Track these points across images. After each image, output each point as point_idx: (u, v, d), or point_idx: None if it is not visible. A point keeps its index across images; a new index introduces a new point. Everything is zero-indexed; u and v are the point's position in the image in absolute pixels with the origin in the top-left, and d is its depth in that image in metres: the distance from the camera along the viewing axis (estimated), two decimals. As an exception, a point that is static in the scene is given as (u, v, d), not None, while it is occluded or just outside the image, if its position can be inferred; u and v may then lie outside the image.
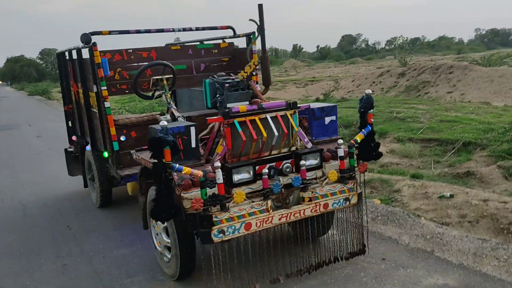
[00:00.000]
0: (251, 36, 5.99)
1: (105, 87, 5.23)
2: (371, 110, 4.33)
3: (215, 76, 4.76)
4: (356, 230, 4.47)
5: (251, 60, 4.75)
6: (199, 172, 3.63)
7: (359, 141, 4.29)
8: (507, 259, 4.36)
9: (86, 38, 5.14)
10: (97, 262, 5.04)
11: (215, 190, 3.66)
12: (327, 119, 4.66)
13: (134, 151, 4.74)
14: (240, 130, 4.05)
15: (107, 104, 5.27)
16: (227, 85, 4.57)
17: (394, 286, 4.04)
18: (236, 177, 3.95)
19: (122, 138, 5.34)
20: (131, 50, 5.92)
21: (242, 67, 6.13)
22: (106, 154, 5.48)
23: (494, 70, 22.65)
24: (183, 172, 3.63)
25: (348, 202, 4.29)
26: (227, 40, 6.47)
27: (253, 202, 3.89)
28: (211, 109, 4.85)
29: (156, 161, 3.57)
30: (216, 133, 4.28)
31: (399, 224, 5.32)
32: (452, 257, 4.50)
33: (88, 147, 6.42)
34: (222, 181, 3.72)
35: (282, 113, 4.26)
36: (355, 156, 4.30)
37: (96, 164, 6.37)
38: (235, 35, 6.32)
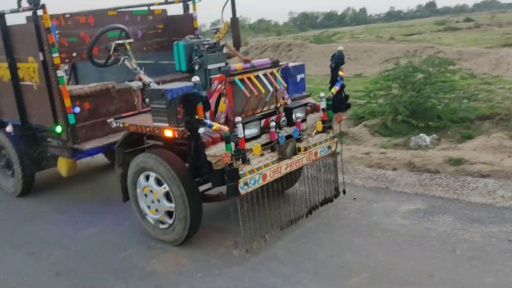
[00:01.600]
0: (192, 2, 5.94)
1: (57, 54, 4.74)
2: (342, 66, 4.78)
3: (186, 38, 4.73)
4: (333, 176, 4.94)
5: (224, 22, 4.80)
6: (225, 128, 3.69)
7: (335, 94, 4.74)
8: (447, 185, 5.28)
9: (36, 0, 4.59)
10: (71, 244, 4.67)
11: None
12: (298, 77, 5.00)
13: (113, 119, 4.48)
14: (242, 87, 4.16)
15: (59, 73, 4.77)
16: (206, 46, 4.60)
17: (379, 216, 4.63)
18: (248, 132, 4.08)
19: (76, 110, 4.92)
20: (68, 15, 5.40)
21: (177, 34, 6.13)
22: (59, 129, 4.98)
23: (326, 46, 25.18)
24: (212, 129, 3.66)
25: (330, 150, 4.73)
26: (160, 7, 6.29)
27: (263, 154, 4.08)
28: (183, 73, 4.82)
29: (189, 117, 3.54)
30: (215, 92, 4.29)
31: (344, 171, 5.93)
32: (406, 189, 5.28)
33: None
34: (243, 135, 3.84)
35: (269, 70, 4.48)
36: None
37: (17, 146, 5.73)
38: (169, 1, 6.19)
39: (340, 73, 4.76)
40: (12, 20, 5.42)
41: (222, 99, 4.18)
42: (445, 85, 8.74)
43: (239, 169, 3.79)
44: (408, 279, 3.55)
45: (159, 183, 4.28)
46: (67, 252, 4.52)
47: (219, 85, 4.13)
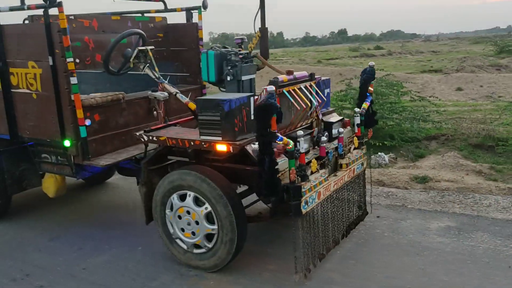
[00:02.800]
0: (197, 11, 5.59)
1: (72, 59, 4.18)
2: (372, 81, 4.69)
3: (216, 47, 4.42)
4: (362, 193, 4.79)
5: (257, 31, 4.54)
6: (290, 142, 3.42)
7: (366, 109, 4.63)
8: (460, 201, 5.34)
9: None
10: (85, 274, 4.09)
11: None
12: (326, 91, 4.84)
13: (143, 132, 4.03)
14: (291, 99, 3.93)
15: (73, 80, 4.21)
16: (240, 56, 4.31)
17: (415, 234, 4.54)
18: (302, 147, 3.83)
19: (87, 123, 4.36)
20: (72, 17, 4.84)
21: (178, 44, 5.78)
22: (67, 143, 4.37)
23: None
24: (281, 143, 3.36)
25: (363, 167, 4.60)
26: (160, 15, 5.86)
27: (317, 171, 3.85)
28: (211, 83, 4.48)
29: (262, 131, 3.23)
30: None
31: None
32: (423, 207, 5.26)
33: None
34: (304, 150, 3.60)
35: (308, 83, 4.29)
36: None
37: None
38: (168, 9, 5.78)
39: (370, 88, 4.67)
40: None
41: (271, 112, 3.90)
42: (396, 106, 9.02)
43: (302, 186, 3.53)
44: (482, 299, 3.46)
45: (197, 203, 3.88)
46: (86, 285, 3.95)
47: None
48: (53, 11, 4.15)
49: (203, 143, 3.70)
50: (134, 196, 6.03)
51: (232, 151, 3.60)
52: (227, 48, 4.50)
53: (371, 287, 3.66)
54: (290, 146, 3.38)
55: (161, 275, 4.00)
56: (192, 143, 3.76)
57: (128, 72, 4.75)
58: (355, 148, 4.46)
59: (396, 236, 4.52)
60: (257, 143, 3.62)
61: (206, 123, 3.65)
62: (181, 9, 5.70)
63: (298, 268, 3.64)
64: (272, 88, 3.23)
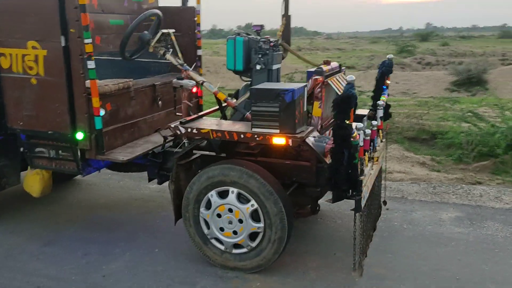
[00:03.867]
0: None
1: (90, 40, 3.66)
2: (390, 74, 4.69)
3: (243, 34, 4.15)
4: (381, 187, 4.78)
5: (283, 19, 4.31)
6: (357, 135, 3.29)
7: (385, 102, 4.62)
8: (453, 192, 5.56)
9: None
10: (110, 283, 3.64)
11: None
12: (343, 83, 4.74)
13: (179, 123, 3.65)
14: (337, 90, 3.79)
15: (91, 64, 3.69)
16: (271, 44, 4.09)
17: (433, 226, 4.62)
18: (361, 139, 3.69)
19: (101, 113, 3.85)
20: None
21: (169, 26, 5.36)
22: (80, 136, 3.83)
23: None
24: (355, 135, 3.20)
25: (383, 160, 4.59)
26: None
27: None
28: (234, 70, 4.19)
29: (339, 122, 3.06)
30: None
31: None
32: (422, 198, 5.39)
33: None
34: (362, 144, 3.48)
35: (339, 75, 4.18)
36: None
37: None
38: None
39: (387, 81, 4.67)
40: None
41: (316, 103, 3.73)
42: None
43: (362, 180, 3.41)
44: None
45: (240, 200, 3.62)
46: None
47: (317, 88, 3.68)
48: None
49: (255, 136, 3.43)
50: (116, 193, 5.61)
51: (291, 145, 3.38)
52: (250, 35, 4.24)
53: (422, 279, 3.64)
54: (356, 138, 3.24)
55: (198, 279, 3.68)
56: (242, 136, 3.47)
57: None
58: (381, 141, 4.43)
59: (415, 228, 4.57)
60: (313, 136, 3.49)
61: (260, 114, 3.39)
62: (177, -8, 5.29)
63: (356, 265, 3.52)
64: (352, 78, 3.07)
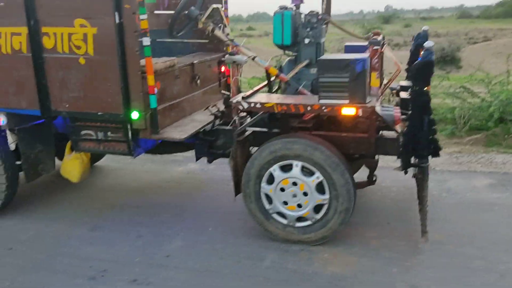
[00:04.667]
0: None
1: (146, 16, 3.55)
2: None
3: (287, 7, 4.13)
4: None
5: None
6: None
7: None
8: (478, 161, 5.73)
9: None
10: (175, 262, 3.61)
11: None
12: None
13: (241, 98, 3.62)
14: (395, 58, 3.84)
15: (146, 41, 3.59)
16: (319, 17, 4.09)
17: (471, 193, 4.75)
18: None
19: (155, 90, 3.76)
20: None
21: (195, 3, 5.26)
22: (135, 115, 3.73)
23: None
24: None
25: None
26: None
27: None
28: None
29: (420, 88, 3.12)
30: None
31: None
32: (448, 168, 5.54)
33: None
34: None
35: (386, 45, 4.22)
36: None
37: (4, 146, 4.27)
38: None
39: (421, 52, 4.74)
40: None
41: (374, 74, 3.76)
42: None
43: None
44: None
45: (304, 173, 3.63)
46: (190, 273, 3.48)
47: (375, 58, 3.71)
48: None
49: (323, 108, 3.44)
50: (145, 177, 5.56)
51: (361, 115, 3.41)
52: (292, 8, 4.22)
53: (482, 243, 3.75)
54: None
55: (264, 254, 3.69)
56: (309, 108, 3.48)
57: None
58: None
59: (455, 195, 4.71)
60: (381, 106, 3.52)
61: (329, 85, 3.39)
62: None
63: (423, 231, 3.59)
64: (431, 44, 3.11)
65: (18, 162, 4.41)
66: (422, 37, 4.69)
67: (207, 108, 4.24)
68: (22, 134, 4.28)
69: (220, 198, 4.79)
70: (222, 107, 4.22)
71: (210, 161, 4.30)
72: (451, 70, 18.07)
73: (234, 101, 3.65)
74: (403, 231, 3.97)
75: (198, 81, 4.61)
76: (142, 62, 3.71)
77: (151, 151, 4.69)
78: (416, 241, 3.77)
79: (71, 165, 4.48)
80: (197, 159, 4.40)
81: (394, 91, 4.34)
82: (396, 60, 3.83)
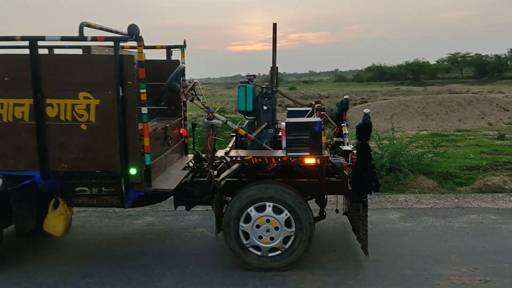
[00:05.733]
0: (181, 49, 6.03)
1: (145, 90, 4.33)
2: (347, 111, 6.05)
3: (248, 82, 5.17)
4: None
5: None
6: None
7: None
8: (390, 198, 7.09)
9: (135, 30, 4.15)
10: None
11: None
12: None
13: (224, 154, 4.51)
14: (332, 122, 5.02)
15: (144, 110, 4.35)
16: (274, 89, 5.19)
17: (385, 223, 6.01)
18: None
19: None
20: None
21: (156, 78, 6.20)
22: (133, 171, 4.36)
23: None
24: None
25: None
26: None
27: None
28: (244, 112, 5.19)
29: (361, 143, 4.27)
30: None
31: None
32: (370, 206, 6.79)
33: None
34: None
35: (322, 111, 5.42)
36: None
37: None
38: (147, 46, 6.01)
39: (345, 116, 6.03)
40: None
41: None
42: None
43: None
44: None
45: (276, 211, 4.56)
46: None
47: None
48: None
49: (290, 159, 4.46)
50: (109, 231, 6.08)
51: (319, 163, 4.47)
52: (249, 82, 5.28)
53: (412, 260, 4.91)
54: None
55: (246, 280, 4.48)
56: (279, 160, 4.47)
57: None
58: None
59: (378, 226, 5.93)
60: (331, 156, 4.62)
61: (294, 142, 4.44)
62: (162, 47, 6.08)
63: (365, 252, 4.64)
64: (368, 110, 4.31)
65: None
66: (344, 104, 5.99)
67: (187, 165, 5.05)
68: (14, 194, 4.70)
69: (188, 243, 5.50)
70: (193, 163, 5.09)
71: (188, 209, 5.06)
72: (339, 129, 20.27)
73: (219, 155, 4.53)
74: (347, 255, 5.02)
75: (170, 141, 5.42)
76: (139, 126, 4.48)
77: (136, 204, 5.29)
78: (360, 261, 4.83)
79: (56, 221, 4.92)
80: (175, 208, 5.12)
81: (329, 146, 5.49)
82: (332, 122, 5.02)
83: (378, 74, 59.43)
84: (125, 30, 4.34)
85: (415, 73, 55.95)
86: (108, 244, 5.58)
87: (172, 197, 5.20)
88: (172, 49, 6.15)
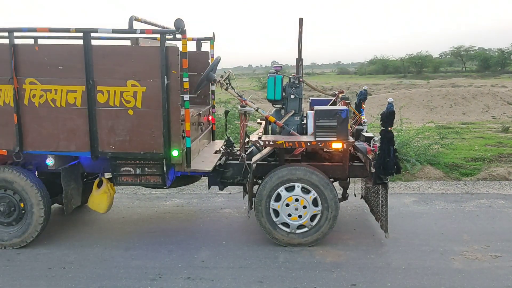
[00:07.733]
0: (210, 41, 6.43)
1: (187, 79, 4.76)
2: (365, 100, 6.46)
3: (277, 72, 5.57)
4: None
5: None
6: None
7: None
8: (402, 185, 7.51)
9: (181, 24, 4.56)
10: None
11: None
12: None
13: (258, 138, 4.92)
14: (355, 110, 5.44)
15: (186, 97, 4.76)
16: (301, 80, 5.60)
17: (399, 206, 6.44)
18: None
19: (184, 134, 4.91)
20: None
21: (190, 70, 6.57)
22: (175, 153, 4.79)
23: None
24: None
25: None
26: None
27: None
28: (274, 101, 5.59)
29: (385, 129, 4.67)
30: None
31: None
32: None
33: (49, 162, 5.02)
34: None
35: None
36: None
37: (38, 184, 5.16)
38: (178, 38, 6.42)
39: (363, 105, 6.44)
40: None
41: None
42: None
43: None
44: None
45: (303, 191, 4.99)
46: (225, 271, 4.59)
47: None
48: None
49: (319, 143, 4.88)
50: (141, 211, 6.52)
51: (345, 148, 4.89)
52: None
53: (427, 238, 5.35)
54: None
55: (277, 254, 4.91)
56: (308, 144, 4.90)
57: None
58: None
59: (393, 209, 6.28)
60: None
61: (322, 127, 4.85)
62: (192, 39, 6.48)
63: (385, 230, 5.07)
64: (392, 99, 4.71)
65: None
66: (363, 94, 6.40)
67: (219, 149, 5.48)
68: (64, 173, 5.13)
69: (217, 222, 5.94)
70: (225, 147, 5.55)
71: (221, 189, 5.48)
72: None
73: (253, 139, 4.95)
74: (367, 233, 5.45)
75: (202, 127, 5.84)
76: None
77: (173, 184, 5.70)
78: (379, 239, 5.26)
79: (99, 199, 5.37)
80: (209, 188, 5.55)
81: (351, 133, 5.90)
82: (355, 110, 5.44)
83: (381, 67, 59.75)
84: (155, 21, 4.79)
85: (418, 66, 56.18)
86: (144, 222, 6.01)
87: (198, 181, 5.65)
88: (202, 41, 6.55)
